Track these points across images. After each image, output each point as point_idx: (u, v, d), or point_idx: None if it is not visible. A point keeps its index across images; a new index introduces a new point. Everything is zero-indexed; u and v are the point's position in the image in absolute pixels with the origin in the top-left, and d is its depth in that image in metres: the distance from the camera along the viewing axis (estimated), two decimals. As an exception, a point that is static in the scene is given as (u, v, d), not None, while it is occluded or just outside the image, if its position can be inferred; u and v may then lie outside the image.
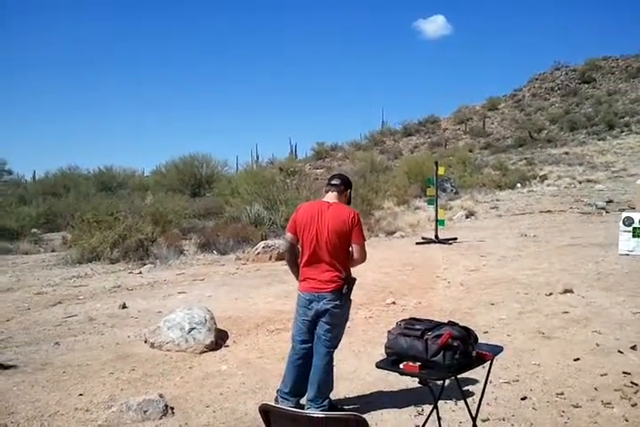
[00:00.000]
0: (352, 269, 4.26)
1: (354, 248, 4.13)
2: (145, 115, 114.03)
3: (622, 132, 37.19)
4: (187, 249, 12.73)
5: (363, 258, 4.19)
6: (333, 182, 4.29)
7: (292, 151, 45.38)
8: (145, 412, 4.25)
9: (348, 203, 4.37)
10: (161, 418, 4.24)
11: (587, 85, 50.07)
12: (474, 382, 4.43)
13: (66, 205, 20.18)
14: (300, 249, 4.28)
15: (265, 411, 2.31)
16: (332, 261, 4.07)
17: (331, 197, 4.24)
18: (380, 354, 3.59)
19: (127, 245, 12.05)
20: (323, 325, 4.11)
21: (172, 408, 4.40)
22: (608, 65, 52.55)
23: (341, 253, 4.10)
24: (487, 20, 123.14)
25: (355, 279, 4.23)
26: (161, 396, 4.46)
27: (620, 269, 8.91)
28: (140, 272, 10.70)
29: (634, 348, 5.34)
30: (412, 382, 4.33)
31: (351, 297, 4.25)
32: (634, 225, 10.04)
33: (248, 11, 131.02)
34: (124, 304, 7.81)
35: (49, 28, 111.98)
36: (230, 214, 16.42)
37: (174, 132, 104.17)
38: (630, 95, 45.07)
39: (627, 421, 3.94)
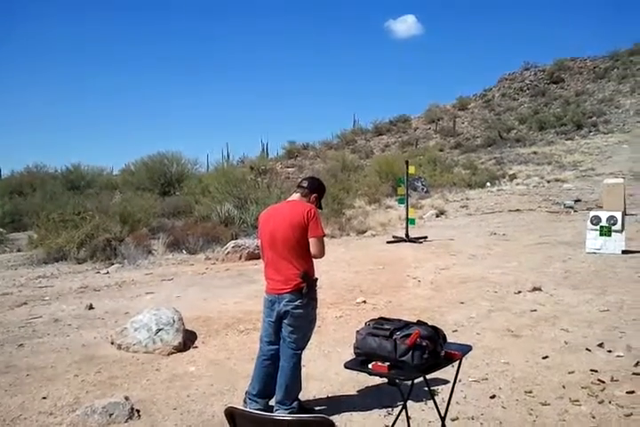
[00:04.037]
0: (319, 268, 4.21)
1: (310, 242, 4.02)
2: (115, 113, 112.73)
3: (590, 132, 37.67)
4: (155, 249, 12.57)
5: (321, 252, 4.06)
6: (301, 184, 4.26)
7: (263, 150, 45.10)
8: (110, 415, 4.17)
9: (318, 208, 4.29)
10: (127, 421, 4.17)
11: (555, 86, 50.63)
12: (443, 381, 4.42)
13: (32, 204, 19.81)
14: (261, 249, 4.24)
15: (230, 414, 2.26)
16: (290, 261, 4.01)
17: (293, 197, 4.21)
18: (351, 354, 3.56)
19: (94, 245, 11.87)
20: (286, 327, 4.06)
21: (139, 411, 4.32)
22: (576, 66, 53.20)
23: (300, 251, 4.02)
24: (458, 20, 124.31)
25: (316, 279, 4.17)
26: (127, 398, 4.38)
27: (587, 268, 9.01)
28: (108, 272, 10.54)
29: (601, 345, 5.39)
30: (382, 382, 4.31)
31: (318, 297, 4.20)
32: (601, 224, 10.17)
33: (221, 13, 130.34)
34: (91, 305, 7.68)
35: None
36: (200, 213, 16.28)
37: (145, 130, 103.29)
38: (597, 96, 45.70)
39: (594, 418, 3.97)
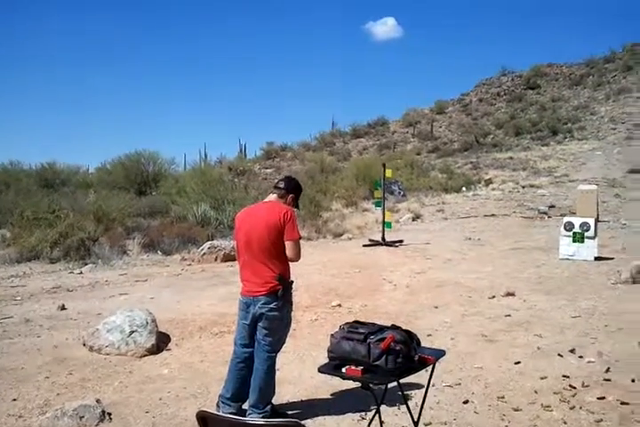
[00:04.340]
0: (295, 271, 4.21)
1: (286, 245, 4.02)
2: (92, 111, 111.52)
3: (565, 138, 38.19)
4: (130, 249, 12.44)
5: (297, 255, 4.07)
6: (277, 185, 4.23)
7: (241, 151, 44.95)
8: (81, 418, 4.13)
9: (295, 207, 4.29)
10: (97, 424, 4.13)
11: (532, 91, 51.25)
12: (417, 385, 4.43)
13: (5, 201, 19.50)
14: (236, 251, 4.23)
15: (202, 418, 2.24)
16: (265, 263, 4.00)
17: (270, 198, 4.19)
18: (325, 357, 3.55)
19: (68, 244, 11.71)
20: (261, 329, 4.05)
21: (110, 414, 4.29)
22: (553, 72, 53.94)
23: (275, 253, 4.01)
24: (437, 24, 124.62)
25: (292, 282, 4.16)
26: (98, 401, 4.34)
27: (560, 274, 9.11)
28: (81, 272, 10.41)
29: (573, 351, 5.45)
30: (356, 386, 4.31)
31: (294, 300, 4.20)
32: (574, 230, 10.28)
33: (197, 12, 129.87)
34: (63, 305, 7.59)
35: None
36: (176, 214, 16.17)
37: (122, 128, 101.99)
38: (573, 102, 46.36)
39: (565, 423, 4.01)
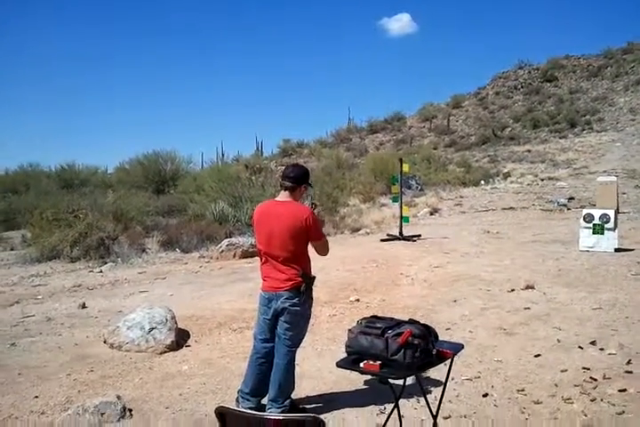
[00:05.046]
0: (315, 266, 4.22)
1: (315, 246, 4.15)
2: (109, 111, 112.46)
3: (583, 130, 37.81)
4: (149, 247, 12.54)
5: (326, 252, 4.23)
6: (286, 176, 4.13)
7: (257, 148, 45.11)
8: (102, 414, 4.16)
9: (309, 197, 4.27)
10: (119, 420, 4.15)
11: (549, 84, 50.73)
12: (436, 379, 4.43)
13: (26, 202, 19.73)
14: (257, 248, 4.24)
15: (221, 413, 2.26)
16: (287, 260, 4.02)
17: (283, 196, 4.15)
18: (344, 352, 3.56)
19: (88, 244, 11.84)
20: (282, 324, 4.06)
21: (131, 410, 4.31)
22: (570, 64, 53.31)
23: (298, 251, 4.04)
24: (452, 19, 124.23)
25: (314, 278, 4.17)
26: (119, 398, 4.37)
27: (580, 266, 9.03)
28: (101, 271, 10.51)
29: (593, 343, 5.40)
30: (375, 380, 4.31)
31: (313, 295, 4.20)
32: (594, 222, 10.19)
33: (214, 9, 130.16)
34: (84, 304, 7.67)
35: None
36: (194, 212, 16.26)
37: (139, 129, 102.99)
38: (591, 94, 45.84)
39: (586, 416, 3.98)
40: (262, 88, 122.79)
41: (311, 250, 4.20)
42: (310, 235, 4.05)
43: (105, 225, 12.59)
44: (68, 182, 27.49)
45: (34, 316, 7.28)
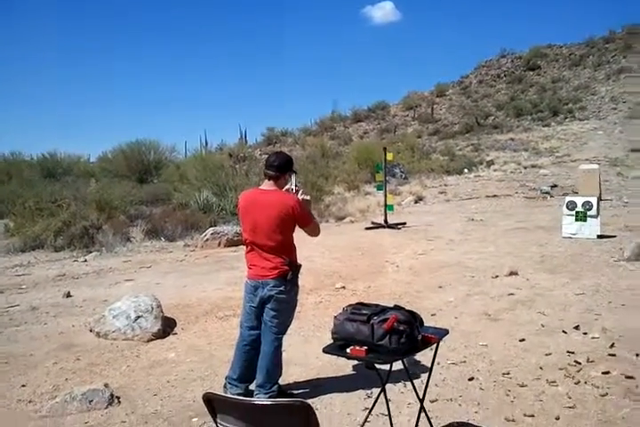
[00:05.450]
0: (300, 254, 4.23)
1: (306, 230, 4.17)
2: (91, 100, 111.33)
3: (566, 118, 37.98)
4: (134, 236, 12.47)
5: (317, 234, 4.26)
6: (270, 165, 4.11)
7: (241, 137, 44.74)
8: (90, 402, 4.17)
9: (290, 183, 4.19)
10: (107, 408, 4.17)
11: (532, 73, 50.85)
12: (422, 364, 4.48)
13: (8, 191, 19.53)
14: (243, 236, 4.24)
15: (209, 400, 2.27)
16: (273, 249, 4.02)
17: (267, 184, 4.12)
18: (330, 339, 3.58)
19: (72, 233, 11.75)
20: (269, 311, 4.07)
21: (119, 397, 4.32)
22: (552, 53, 53.43)
23: (284, 240, 4.05)
24: (435, 7, 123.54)
25: (300, 266, 4.18)
26: (106, 385, 4.38)
27: (563, 252, 9.13)
28: (86, 260, 10.46)
29: (577, 328, 5.48)
30: (362, 366, 4.35)
31: (299, 283, 4.22)
32: (577, 209, 10.29)
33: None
34: (69, 293, 7.64)
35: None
36: (178, 201, 16.18)
37: (122, 117, 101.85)
38: (573, 83, 46.01)
39: (570, 398, 4.04)
40: (245, 77, 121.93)
41: (296, 238, 4.20)
42: (299, 222, 4.06)
43: (88, 214, 12.50)
44: (50, 171, 27.19)
45: (18, 305, 7.24)
